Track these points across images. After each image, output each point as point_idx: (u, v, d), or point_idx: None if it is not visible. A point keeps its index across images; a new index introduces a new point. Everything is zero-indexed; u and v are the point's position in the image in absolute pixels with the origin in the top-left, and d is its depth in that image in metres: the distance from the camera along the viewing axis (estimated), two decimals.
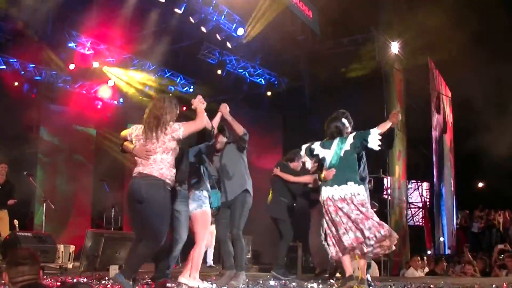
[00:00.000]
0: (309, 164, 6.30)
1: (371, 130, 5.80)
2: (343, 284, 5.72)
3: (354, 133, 5.90)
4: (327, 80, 14.91)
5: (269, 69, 16.60)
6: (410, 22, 15.23)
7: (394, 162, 14.08)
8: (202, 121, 5.54)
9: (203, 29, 13.79)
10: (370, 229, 5.56)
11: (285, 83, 16.82)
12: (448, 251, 17.01)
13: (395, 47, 14.68)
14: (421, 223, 16.82)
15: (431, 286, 6.31)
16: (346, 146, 5.82)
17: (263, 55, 16.36)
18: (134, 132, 5.62)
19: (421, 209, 17.11)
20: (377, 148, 5.79)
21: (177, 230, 5.98)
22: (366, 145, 5.82)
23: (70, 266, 9.93)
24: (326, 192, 5.77)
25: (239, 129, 6.87)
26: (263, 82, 16.86)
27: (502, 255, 10.99)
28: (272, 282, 6.78)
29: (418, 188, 17.54)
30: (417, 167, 16.47)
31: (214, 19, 13.72)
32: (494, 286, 6.15)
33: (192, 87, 17.31)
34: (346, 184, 5.71)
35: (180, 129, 5.37)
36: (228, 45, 14.67)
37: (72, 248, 10.58)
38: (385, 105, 14.12)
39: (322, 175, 5.97)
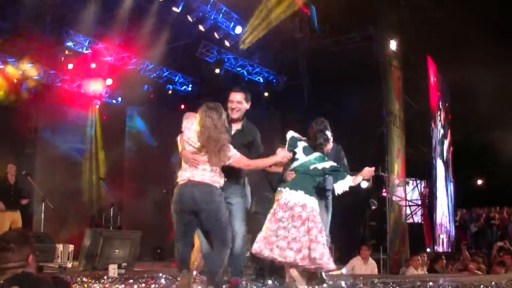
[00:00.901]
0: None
1: (347, 177, 5.77)
2: None
3: (332, 164, 5.83)
4: (325, 78, 14.90)
5: (267, 68, 16.59)
6: (408, 20, 15.26)
7: (393, 160, 14.09)
8: (258, 165, 5.81)
9: (201, 27, 13.78)
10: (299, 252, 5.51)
11: (284, 81, 16.81)
12: (447, 249, 17.04)
13: (393, 45, 14.69)
14: (420, 221, 16.81)
15: (430, 283, 6.30)
16: (318, 166, 5.78)
17: (261, 53, 16.36)
18: (189, 129, 5.48)
19: (420, 207, 17.11)
20: (339, 192, 5.80)
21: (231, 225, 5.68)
22: (336, 181, 5.82)
23: (69, 265, 9.94)
24: (278, 194, 5.78)
25: None
26: (262, 81, 16.84)
27: (501, 253, 11.00)
28: (270, 282, 6.78)
29: (417, 186, 17.53)
30: (416, 164, 16.46)
31: (212, 17, 13.72)
32: (493, 283, 6.15)
33: (190, 85, 17.30)
34: (297, 191, 5.68)
35: (231, 160, 5.41)
36: (226, 43, 14.66)
37: (71, 247, 10.59)
38: (383, 103, 14.14)
39: (284, 174, 5.97)
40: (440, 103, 18.52)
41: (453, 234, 18.43)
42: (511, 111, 15.98)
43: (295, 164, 5.86)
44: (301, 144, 5.95)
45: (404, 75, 15.60)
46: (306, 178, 5.77)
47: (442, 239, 17.32)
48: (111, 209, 13.53)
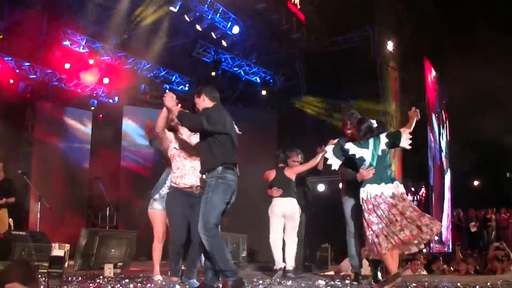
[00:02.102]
0: (336, 165, 6.23)
1: (401, 131, 6.03)
2: (391, 281, 5.70)
3: (386, 133, 6.06)
4: (322, 79, 14.92)
5: (264, 68, 16.60)
6: (405, 21, 15.28)
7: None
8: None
9: (198, 27, 13.77)
10: (428, 225, 5.63)
11: (281, 81, 16.82)
12: (443, 250, 17.04)
13: (390, 46, 14.70)
14: None
15: (426, 284, 6.31)
16: (382, 145, 5.96)
17: (259, 53, 16.36)
18: None
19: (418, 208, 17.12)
20: (409, 147, 6.05)
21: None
22: (398, 144, 6.03)
23: (65, 264, 9.90)
24: (373, 190, 5.82)
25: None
26: (259, 81, 16.86)
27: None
28: (268, 280, 6.80)
29: (414, 186, 17.54)
30: (413, 165, 16.48)
31: (209, 17, 13.71)
32: (488, 284, 6.16)
33: (187, 85, 17.29)
34: (392, 182, 5.87)
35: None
36: (223, 43, 14.66)
37: (67, 246, 10.55)
38: (380, 103, 14.15)
39: (358, 175, 6.01)
40: (437, 103, 18.54)
41: (449, 234, 18.44)
42: (509, 111, 15.99)
43: (366, 162, 5.94)
44: (350, 145, 6.05)
45: (401, 75, 15.61)
46: (385, 167, 5.96)
47: (438, 239, 17.33)
48: (107, 209, 13.54)
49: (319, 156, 8.02)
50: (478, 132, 16.36)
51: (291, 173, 8.27)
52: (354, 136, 6.34)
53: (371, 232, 5.76)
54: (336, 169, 6.30)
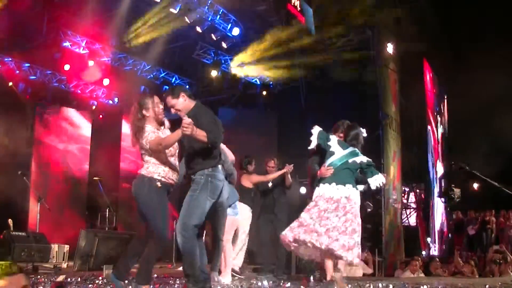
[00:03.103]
0: (313, 144, 6.31)
1: (380, 174, 6.02)
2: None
3: (368, 160, 6.06)
4: (322, 81, 14.92)
5: None
6: (404, 23, 15.27)
7: (389, 163, 14.09)
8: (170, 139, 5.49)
9: (198, 29, 13.76)
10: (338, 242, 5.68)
11: (280, 83, 16.80)
12: (442, 252, 17.06)
13: (390, 48, 14.70)
14: (415, 224, 16.82)
15: (425, 286, 6.32)
16: (356, 159, 6.00)
17: None
18: None
19: (415, 210, 17.13)
20: (373, 188, 6.05)
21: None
22: (367, 175, 6.02)
23: (64, 265, 9.93)
24: (322, 189, 5.91)
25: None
26: (258, 82, 16.85)
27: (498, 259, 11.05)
28: (265, 282, 6.79)
29: (413, 189, 17.54)
30: (413, 167, 16.48)
31: (210, 19, 13.70)
32: (487, 286, 6.17)
33: (187, 87, 17.29)
34: (344, 185, 5.83)
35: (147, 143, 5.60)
36: (224, 45, 14.65)
37: (66, 247, 10.58)
38: (380, 106, 14.14)
39: (318, 171, 6.10)
40: (437, 106, 18.56)
41: (448, 237, 18.44)
42: (508, 114, 15.99)
43: (333, 158, 5.97)
44: (334, 138, 6.08)
45: (400, 78, 15.61)
46: (347, 172, 5.95)
47: (437, 242, 17.34)
48: (107, 210, 13.53)
49: (279, 173, 8.62)
50: (479, 133, 16.41)
51: (244, 180, 8.68)
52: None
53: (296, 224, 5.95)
54: (309, 148, 6.36)
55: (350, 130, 6.17)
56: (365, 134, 6.21)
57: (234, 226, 8.01)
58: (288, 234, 5.90)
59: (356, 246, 5.69)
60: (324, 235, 5.64)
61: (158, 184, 5.45)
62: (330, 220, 5.71)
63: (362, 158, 5.98)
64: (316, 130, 6.29)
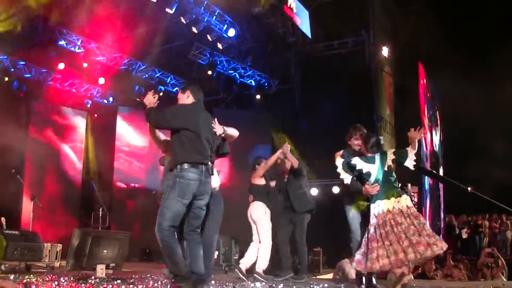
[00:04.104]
0: (348, 180, 6.16)
1: (408, 150, 6.04)
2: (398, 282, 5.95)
3: (393, 150, 6.14)
4: (317, 83, 14.95)
5: (259, 71, 16.60)
6: (400, 26, 15.32)
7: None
8: None
9: (194, 29, 13.77)
10: (430, 244, 5.69)
11: (275, 85, 16.83)
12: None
13: (385, 51, 14.75)
14: None
15: None
16: (388, 161, 6.02)
17: (254, 56, 16.37)
18: None
19: None
20: (412, 168, 6.11)
21: None
22: (403, 163, 6.05)
23: (57, 264, 9.90)
24: (385, 205, 5.88)
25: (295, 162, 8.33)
26: (254, 84, 16.86)
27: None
28: (258, 284, 6.81)
29: (406, 192, 17.56)
30: (406, 170, 16.50)
31: (206, 19, 13.72)
32: None
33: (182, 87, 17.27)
34: (401, 196, 5.89)
35: None
36: (219, 45, 14.66)
37: (59, 246, 10.55)
38: (374, 108, 14.18)
39: (364, 189, 6.07)
40: (431, 109, 18.60)
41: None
42: (502, 118, 16.06)
43: (372, 178, 5.98)
44: (357, 160, 6.07)
45: (395, 81, 15.66)
46: (391, 182, 5.98)
47: None
48: (100, 209, 13.52)
49: (277, 154, 8.39)
50: (472, 137, 16.45)
51: (253, 178, 8.57)
52: (361, 148, 6.34)
53: (370, 247, 5.79)
54: (349, 183, 6.23)
55: (368, 139, 6.18)
56: (383, 141, 6.27)
57: None
58: (378, 264, 5.75)
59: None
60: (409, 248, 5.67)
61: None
62: (407, 234, 5.72)
63: (390, 156, 6.03)
64: (338, 165, 6.19)
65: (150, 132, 6.04)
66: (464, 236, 16.83)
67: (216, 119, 5.63)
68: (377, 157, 6.04)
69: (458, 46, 16.32)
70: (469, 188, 14.60)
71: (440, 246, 5.67)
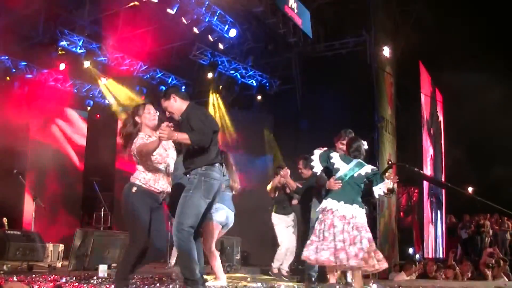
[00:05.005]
0: (318, 169, 6.27)
1: (385, 180, 6.11)
2: None
3: (373, 167, 6.13)
4: (318, 83, 14.95)
5: (260, 71, 16.60)
6: (401, 26, 15.33)
7: (384, 166, 14.13)
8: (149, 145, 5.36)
9: (195, 29, 13.77)
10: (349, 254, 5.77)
11: (277, 85, 16.82)
12: (436, 255, 17.10)
13: (386, 51, 14.75)
14: (410, 227, 16.87)
15: None
16: (361, 171, 6.03)
17: (255, 56, 16.36)
18: None
19: (410, 213, 17.18)
20: (376, 196, 6.18)
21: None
22: (373, 184, 6.09)
23: (59, 265, 9.92)
24: (330, 204, 5.94)
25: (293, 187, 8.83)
26: (255, 84, 16.84)
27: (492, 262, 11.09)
28: (259, 284, 6.81)
29: (407, 192, 17.60)
30: (407, 170, 16.52)
31: (207, 20, 13.71)
32: None
33: (183, 87, 17.28)
34: (352, 205, 5.90)
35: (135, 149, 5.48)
36: (220, 46, 14.66)
37: (61, 247, 10.57)
38: (375, 109, 14.19)
39: (327, 183, 6.13)
40: (432, 109, 18.61)
41: (443, 240, 18.50)
42: (503, 117, 16.06)
43: (338, 174, 6.03)
44: (335, 155, 6.13)
45: (396, 81, 15.66)
46: (354, 188, 6.00)
47: (432, 245, 17.39)
48: (102, 210, 13.52)
49: (277, 179, 9.07)
50: (474, 137, 16.46)
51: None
52: (344, 151, 6.42)
53: (310, 240, 5.98)
54: (317, 173, 6.37)
55: (352, 142, 6.23)
56: (366, 147, 6.26)
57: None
58: (311, 255, 5.90)
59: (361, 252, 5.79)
60: (341, 251, 5.73)
61: (134, 189, 5.32)
62: (343, 236, 5.77)
63: (366, 169, 6.03)
64: (316, 153, 6.30)
65: (140, 155, 5.47)
66: (467, 235, 16.85)
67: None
68: (354, 161, 6.07)
69: (458, 46, 16.33)
70: (470, 189, 14.66)
71: (372, 264, 5.85)
